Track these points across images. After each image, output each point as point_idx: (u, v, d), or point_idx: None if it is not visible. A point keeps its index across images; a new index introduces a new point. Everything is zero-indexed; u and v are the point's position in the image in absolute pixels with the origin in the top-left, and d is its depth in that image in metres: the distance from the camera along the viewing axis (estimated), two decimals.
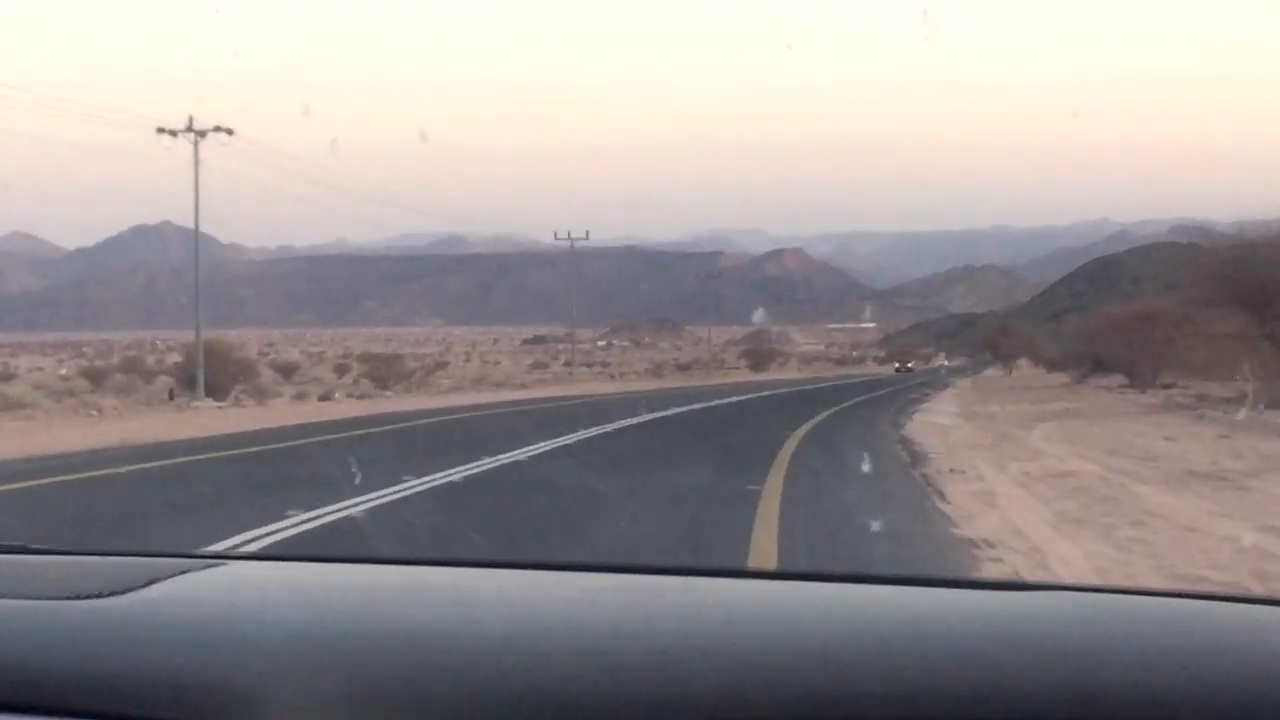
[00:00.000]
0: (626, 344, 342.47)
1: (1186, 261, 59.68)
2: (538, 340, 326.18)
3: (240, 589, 2.03)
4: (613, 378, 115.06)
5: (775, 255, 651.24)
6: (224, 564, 2.15)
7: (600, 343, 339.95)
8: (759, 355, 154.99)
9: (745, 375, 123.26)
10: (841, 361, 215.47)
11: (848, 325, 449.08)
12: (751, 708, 1.46)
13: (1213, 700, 1.45)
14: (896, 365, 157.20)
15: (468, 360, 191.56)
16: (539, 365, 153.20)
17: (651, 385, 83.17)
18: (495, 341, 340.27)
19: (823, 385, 74.97)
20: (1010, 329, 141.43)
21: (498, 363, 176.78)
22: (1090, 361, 69.31)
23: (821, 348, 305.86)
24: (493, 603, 1.95)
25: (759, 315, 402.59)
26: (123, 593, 1.83)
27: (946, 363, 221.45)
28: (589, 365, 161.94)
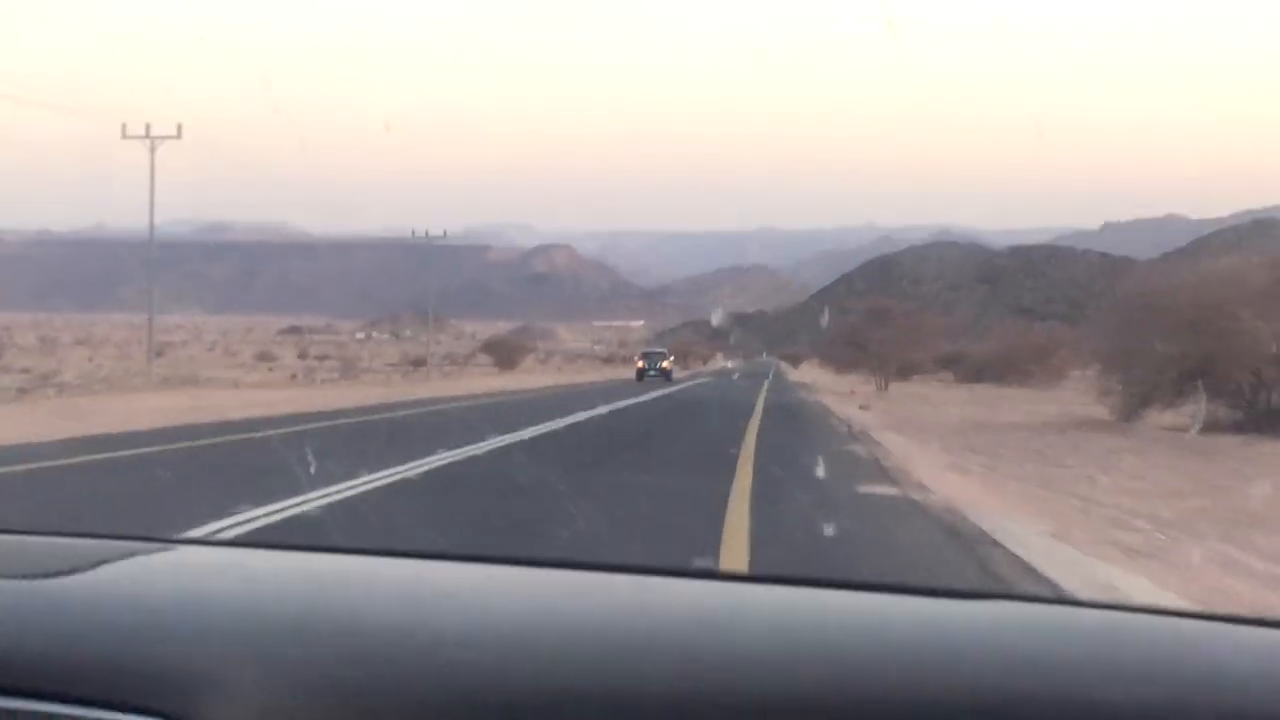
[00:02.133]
0: (386, 336, 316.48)
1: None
2: (293, 330, 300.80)
3: (188, 573, 1.95)
4: (294, 376, 77.46)
5: (544, 251, 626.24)
6: (174, 549, 2.06)
7: (359, 334, 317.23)
8: (506, 350, 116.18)
9: (487, 378, 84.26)
10: (609, 360, 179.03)
11: (615, 323, 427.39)
12: (712, 709, 1.42)
13: (1159, 716, 1.41)
14: (641, 364, 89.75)
15: (211, 350, 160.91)
16: (264, 357, 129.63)
17: (316, 401, 43.22)
18: (250, 330, 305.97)
19: (602, 410, 36.45)
20: (889, 313, 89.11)
21: (235, 354, 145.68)
22: (1162, 373, 30.52)
23: (588, 345, 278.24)
24: (445, 596, 1.89)
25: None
26: (69, 574, 1.77)
27: (729, 364, 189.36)
28: (321, 359, 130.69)
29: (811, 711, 1.40)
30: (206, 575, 1.94)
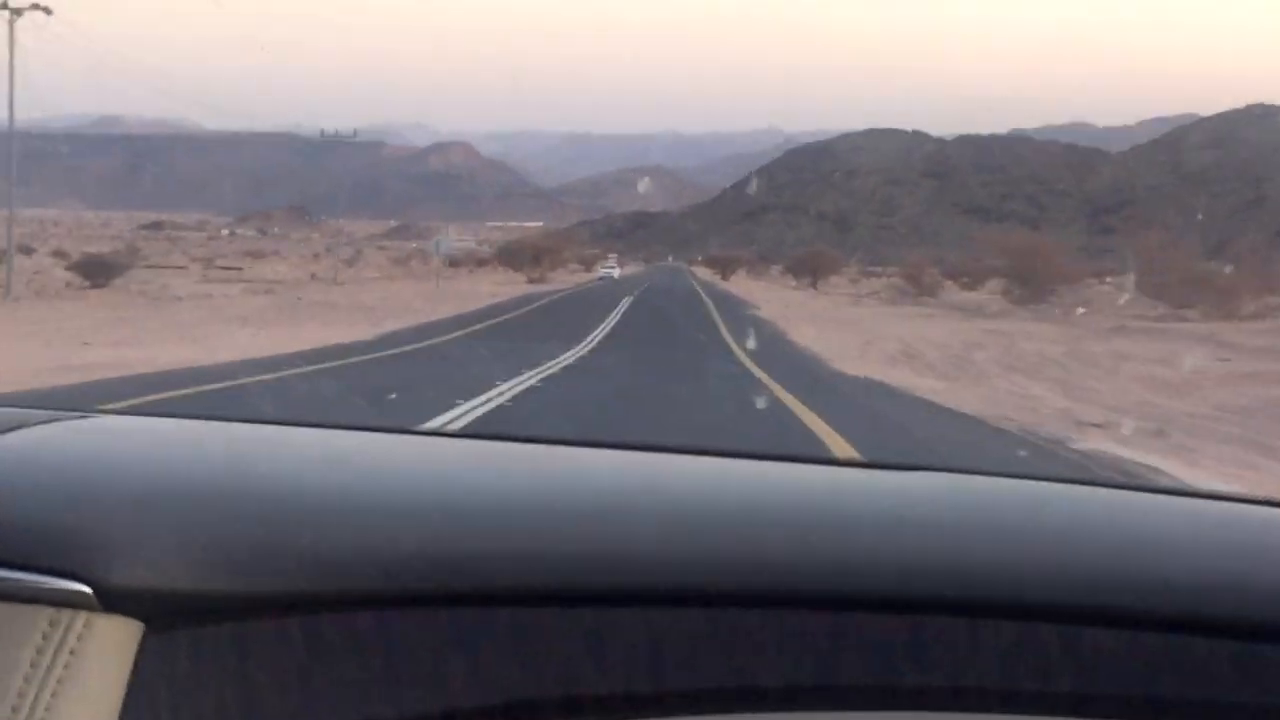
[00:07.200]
0: (253, 233, 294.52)
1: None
2: (155, 226, 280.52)
3: (100, 442, 1.85)
4: None
5: (440, 148, 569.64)
6: (90, 417, 1.96)
7: (225, 231, 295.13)
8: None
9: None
10: (451, 267, 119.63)
11: (511, 223, 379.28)
12: (623, 571, 1.34)
13: (1086, 579, 1.33)
14: None
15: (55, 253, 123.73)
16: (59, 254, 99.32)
17: None
18: (105, 225, 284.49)
19: None
20: None
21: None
22: None
23: (472, 244, 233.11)
24: (368, 466, 1.78)
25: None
26: None
27: (615, 271, 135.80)
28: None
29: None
30: (119, 443, 1.87)
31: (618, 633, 1.29)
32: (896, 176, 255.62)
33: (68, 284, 57.63)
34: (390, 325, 39.09)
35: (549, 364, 26.09)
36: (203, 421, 2.11)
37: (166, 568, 1.32)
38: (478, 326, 41.46)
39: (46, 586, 1.29)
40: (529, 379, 22.80)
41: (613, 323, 45.85)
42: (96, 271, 58.36)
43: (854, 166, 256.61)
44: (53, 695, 1.24)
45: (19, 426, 1.73)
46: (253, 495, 1.52)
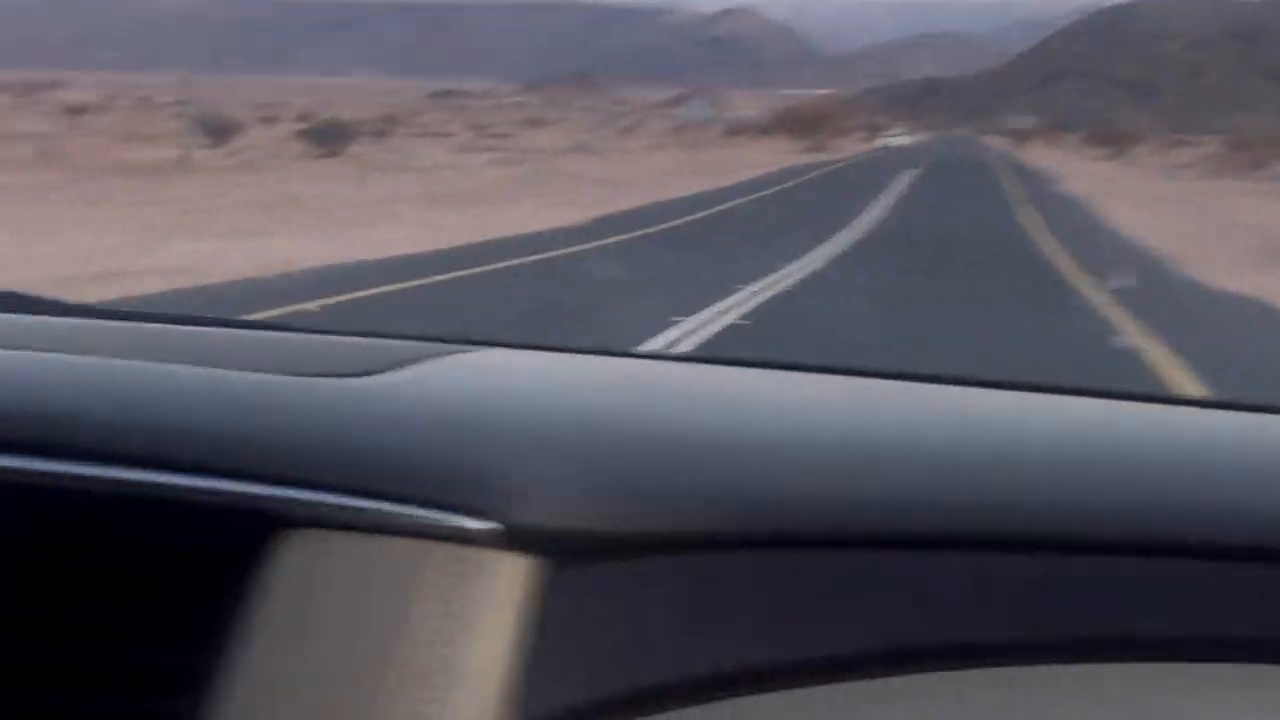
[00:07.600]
0: (537, 101, 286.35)
1: None
2: (444, 94, 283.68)
3: (499, 374, 1.86)
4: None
5: (727, 15, 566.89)
6: (481, 349, 1.93)
7: (509, 100, 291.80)
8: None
9: None
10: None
11: (799, 91, 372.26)
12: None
13: None
14: None
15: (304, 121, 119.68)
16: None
17: None
18: (394, 92, 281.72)
19: None
20: None
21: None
22: None
23: (755, 114, 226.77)
24: (759, 405, 1.73)
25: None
26: (375, 372, 1.64)
27: (901, 139, 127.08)
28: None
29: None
30: (512, 376, 1.87)
31: (1000, 580, 1.28)
32: (1202, 40, 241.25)
33: (303, 153, 54.54)
34: (618, 204, 33.16)
35: (785, 271, 20.14)
36: (587, 355, 2.11)
37: (572, 506, 1.33)
38: (721, 208, 35.89)
39: (458, 524, 1.31)
40: (749, 298, 17.00)
41: (888, 207, 38.91)
42: (329, 140, 55.15)
43: (1157, 30, 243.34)
44: (460, 631, 1.28)
45: (413, 360, 1.73)
46: (650, 432, 1.51)
